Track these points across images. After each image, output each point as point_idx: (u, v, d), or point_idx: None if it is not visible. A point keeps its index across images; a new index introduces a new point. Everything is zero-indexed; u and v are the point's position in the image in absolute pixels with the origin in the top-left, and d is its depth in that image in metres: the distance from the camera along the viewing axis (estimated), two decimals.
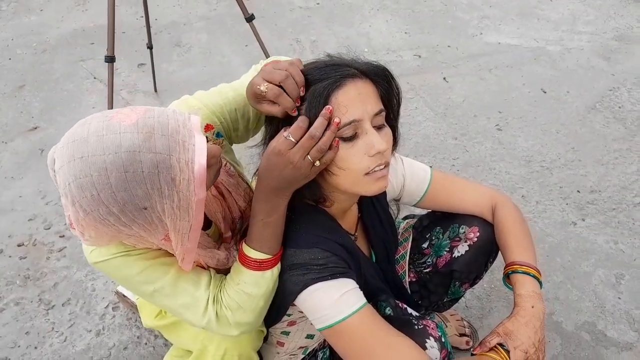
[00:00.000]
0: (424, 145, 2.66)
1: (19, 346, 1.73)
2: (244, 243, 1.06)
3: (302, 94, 0.94)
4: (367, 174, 0.97)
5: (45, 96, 2.95)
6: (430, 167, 1.34)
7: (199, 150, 0.85)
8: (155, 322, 1.36)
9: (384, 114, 0.99)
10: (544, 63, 3.34)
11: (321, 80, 0.94)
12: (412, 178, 1.29)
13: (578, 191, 2.40)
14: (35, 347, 1.73)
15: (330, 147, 0.94)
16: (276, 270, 1.05)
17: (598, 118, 2.87)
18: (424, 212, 1.49)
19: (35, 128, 2.73)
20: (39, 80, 3.09)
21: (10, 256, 2.03)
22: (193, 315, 1.05)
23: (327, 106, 0.92)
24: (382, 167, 0.98)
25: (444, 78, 3.18)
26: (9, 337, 1.75)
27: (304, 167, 0.94)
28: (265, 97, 0.96)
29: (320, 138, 0.92)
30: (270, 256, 1.03)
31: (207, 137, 1.10)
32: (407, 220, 1.54)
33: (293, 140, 0.92)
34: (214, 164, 0.92)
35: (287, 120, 0.97)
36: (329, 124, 0.92)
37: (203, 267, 1.12)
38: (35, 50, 3.36)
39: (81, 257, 2.02)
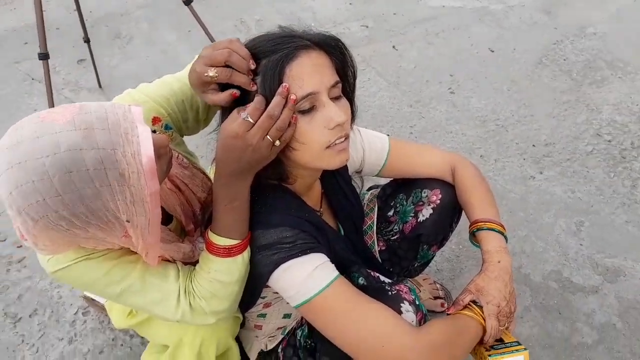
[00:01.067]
0: (381, 115, 2.67)
1: None
2: (209, 231, 1.03)
3: (252, 66, 0.91)
4: (327, 147, 0.96)
5: None
6: (388, 135, 1.34)
7: (144, 141, 0.80)
8: (127, 321, 1.33)
9: (340, 85, 0.98)
10: (488, 22, 3.38)
11: (274, 52, 0.91)
12: (371, 148, 1.29)
13: (533, 145, 2.46)
14: None
15: (289, 125, 0.92)
16: (246, 254, 1.03)
17: (545, 72, 2.94)
18: (388, 181, 1.50)
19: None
20: None
21: None
22: (165, 309, 1.02)
23: (284, 84, 0.89)
24: (342, 139, 0.97)
25: (393, 46, 3.18)
26: None
27: (264, 147, 0.91)
28: (217, 81, 0.92)
29: (279, 117, 0.90)
30: (238, 241, 1.01)
31: (155, 130, 1.07)
32: (371, 191, 1.55)
33: (251, 121, 0.90)
34: (163, 154, 0.88)
35: (240, 102, 0.94)
36: (286, 102, 0.90)
37: (169, 261, 1.09)
38: None
39: None
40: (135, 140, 0.80)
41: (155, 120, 1.11)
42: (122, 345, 1.71)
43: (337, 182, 1.26)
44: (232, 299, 1.06)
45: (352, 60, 1.03)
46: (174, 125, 1.13)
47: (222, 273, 1.01)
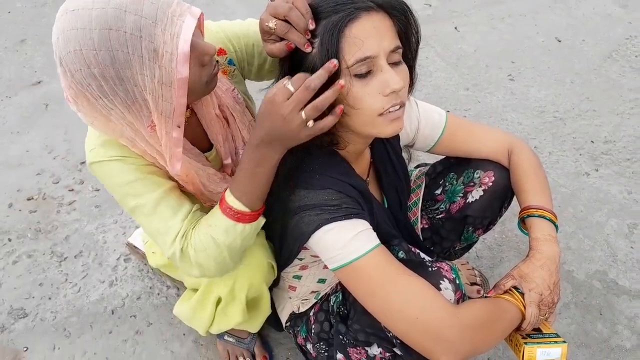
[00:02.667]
0: (435, 95, 2.60)
1: (33, 297, 1.75)
2: (227, 188, 1.02)
3: (311, 26, 0.88)
4: (381, 114, 0.93)
5: (47, 50, 2.89)
6: (447, 111, 1.30)
7: (187, 27, 0.84)
8: (162, 260, 1.37)
9: (400, 51, 0.94)
10: (559, 11, 3.22)
11: (335, 12, 0.88)
12: (427, 122, 1.26)
13: (592, 141, 2.35)
14: (50, 298, 1.74)
15: (330, 112, 0.89)
16: (249, 227, 1.02)
17: (614, 67, 2.79)
18: (439, 159, 1.46)
19: (39, 82, 2.69)
20: (40, 34, 3.03)
21: (20, 210, 2.03)
22: (162, 243, 1.03)
23: (333, 59, 0.86)
24: (397, 107, 0.93)
25: (455, 27, 3.09)
26: (23, 289, 1.77)
27: (295, 123, 0.88)
28: (275, 34, 0.91)
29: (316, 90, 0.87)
30: (248, 210, 1.00)
31: (217, 61, 1.08)
32: (419, 168, 1.52)
33: (291, 89, 0.87)
34: (207, 63, 0.91)
35: (296, 68, 0.93)
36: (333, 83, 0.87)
37: (200, 198, 1.11)
38: (35, 3, 3.28)
39: (91, 210, 2.02)
40: (179, 24, 0.83)
41: (220, 52, 1.14)
42: (158, 294, 1.76)
43: (387, 153, 1.23)
44: (218, 263, 1.03)
45: (417, 25, 0.99)
46: (238, 64, 1.16)
47: (219, 230, 1.00)
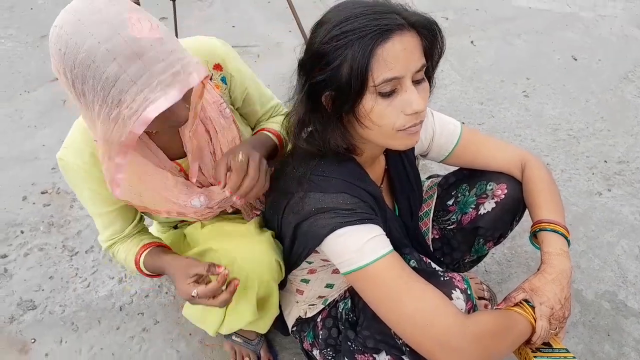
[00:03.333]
0: (450, 109, 2.61)
1: (43, 290, 1.76)
2: (142, 257, 1.22)
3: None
4: (400, 130, 0.95)
5: None
6: (462, 123, 1.31)
7: (165, 101, 0.84)
8: None
9: (425, 68, 0.95)
10: (576, 29, 3.23)
11: (367, 29, 0.88)
12: (442, 132, 1.27)
13: (605, 161, 2.35)
14: (59, 291, 1.76)
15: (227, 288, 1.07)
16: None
17: (630, 88, 2.79)
18: (452, 170, 1.47)
19: (57, 79, 2.72)
20: None
21: (34, 203, 2.06)
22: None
23: (224, 271, 1.05)
24: (417, 125, 0.96)
25: (472, 41, 3.10)
26: (33, 281, 1.79)
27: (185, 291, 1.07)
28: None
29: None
30: (150, 274, 1.26)
31: (212, 75, 1.15)
32: (431, 179, 1.52)
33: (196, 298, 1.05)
34: (172, 125, 0.96)
35: (321, 83, 0.95)
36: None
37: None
38: (56, 0, 3.33)
39: None
40: (160, 93, 0.83)
41: (217, 67, 1.16)
42: (166, 293, 1.77)
43: (401, 161, 1.24)
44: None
45: (443, 42, 1.00)
46: (228, 84, 1.20)
47: (130, 268, 1.27)
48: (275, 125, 1.30)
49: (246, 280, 1.16)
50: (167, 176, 1.12)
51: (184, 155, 1.16)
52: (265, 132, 1.25)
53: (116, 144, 0.89)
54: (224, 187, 1.03)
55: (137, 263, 1.23)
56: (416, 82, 0.94)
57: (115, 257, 1.30)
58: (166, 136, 1.12)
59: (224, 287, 1.07)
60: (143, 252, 1.22)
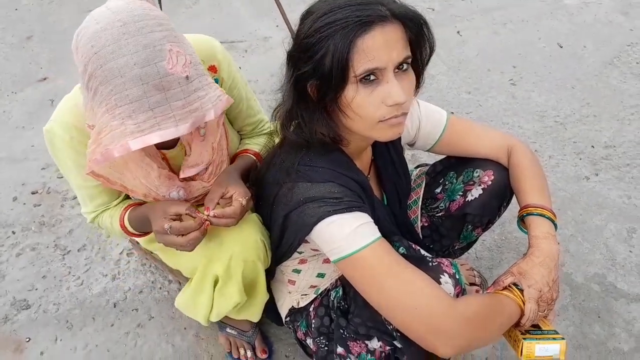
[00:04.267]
0: (437, 99, 2.63)
1: (36, 289, 1.76)
2: (125, 215, 1.23)
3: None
4: (381, 121, 0.96)
5: (53, 47, 2.92)
6: (452, 113, 1.32)
7: (157, 136, 0.88)
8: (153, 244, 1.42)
9: (409, 59, 0.96)
10: (560, 17, 3.25)
11: (349, 20, 0.89)
12: (428, 121, 1.28)
13: (592, 146, 2.37)
14: (52, 290, 1.76)
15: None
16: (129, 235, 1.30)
17: (615, 73, 2.81)
18: (440, 159, 1.48)
19: (45, 79, 2.72)
20: (46, 31, 3.06)
21: (24, 203, 2.06)
22: (80, 204, 1.30)
23: (202, 215, 1.07)
24: (398, 117, 0.96)
25: (458, 32, 3.11)
26: (26, 281, 1.79)
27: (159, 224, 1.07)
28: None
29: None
30: (135, 232, 1.27)
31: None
32: (419, 168, 1.53)
33: (168, 232, 1.05)
34: (169, 143, 1.07)
35: (305, 74, 0.97)
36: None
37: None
38: (41, 1, 3.31)
39: None
40: (169, 125, 0.89)
41: (211, 68, 1.20)
42: (160, 288, 1.77)
43: (388, 150, 1.25)
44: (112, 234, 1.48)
45: (432, 37, 1.00)
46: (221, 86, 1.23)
47: (115, 230, 1.27)
48: (257, 147, 1.40)
49: (230, 259, 1.18)
50: (153, 167, 1.13)
51: (169, 147, 1.18)
52: (249, 154, 1.35)
53: (104, 147, 0.91)
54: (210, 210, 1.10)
55: (121, 221, 1.24)
56: (400, 74, 0.95)
57: (100, 226, 1.30)
58: None
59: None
60: (127, 210, 1.24)
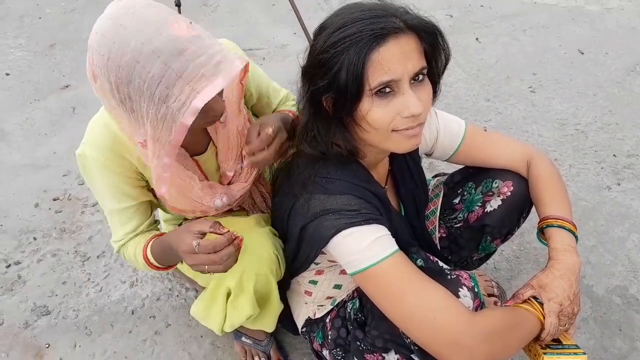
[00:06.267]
0: (456, 106, 2.61)
1: (56, 295, 1.79)
2: (149, 246, 1.20)
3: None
4: (395, 130, 0.95)
5: (75, 55, 2.98)
6: (465, 120, 1.31)
7: (211, 89, 0.87)
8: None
9: (425, 70, 0.95)
10: (581, 23, 3.21)
11: (363, 33, 0.89)
12: (446, 131, 1.27)
13: (614, 155, 2.33)
14: (72, 297, 1.78)
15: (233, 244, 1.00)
16: (154, 270, 1.26)
17: (638, 81, 2.77)
18: (458, 169, 1.47)
19: (67, 86, 2.76)
20: (69, 39, 3.11)
21: (46, 210, 2.09)
22: (111, 231, 1.26)
23: (229, 233, 0.99)
24: (414, 128, 0.96)
25: (477, 38, 3.09)
26: (46, 287, 1.81)
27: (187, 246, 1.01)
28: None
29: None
30: (158, 265, 1.22)
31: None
32: (437, 178, 1.52)
33: (196, 250, 0.99)
34: (210, 118, 0.98)
35: (320, 89, 0.97)
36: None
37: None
38: (64, 9, 3.38)
39: None
40: (205, 84, 0.87)
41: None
42: (177, 296, 1.78)
43: (405, 162, 1.25)
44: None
45: (447, 46, 1.00)
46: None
47: (138, 263, 1.23)
48: (292, 108, 1.38)
49: (243, 272, 1.18)
50: (195, 178, 1.16)
51: (200, 152, 1.20)
52: (285, 112, 1.31)
53: (165, 143, 0.92)
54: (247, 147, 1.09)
55: (144, 252, 1.21)
56: (416, 85, 0.94)
57: (125, 256, 1.28)
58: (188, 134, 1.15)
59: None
60: (150, 242, 1.22)
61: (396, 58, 0.89)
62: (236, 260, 1.02)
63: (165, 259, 1.19)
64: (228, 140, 1.19)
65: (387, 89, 0.91)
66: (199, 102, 0.87)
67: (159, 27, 0.86)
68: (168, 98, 0.87)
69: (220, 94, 1.00)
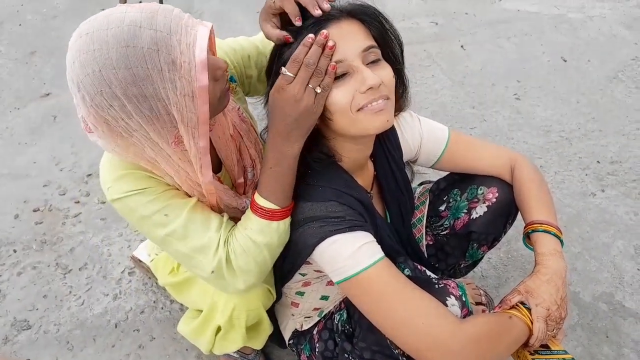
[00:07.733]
0: (441, 114, 2.61)
1: (37, 309, 1.74)
2: (256, 191, 1.04)
3: (298, 23, 0.95)
4: (360, 109, 0.94)
5: (56, 63, 2.93)
6: (450, 128, 1.30)
7: (201, 37, 0.86)
8: (168, 278, 1.36)
9: (377, 51, 0.96)
10: (564, 31, 3.25)
11: (305, 23, 0.94)
12: (430, 137, 1.27)
13: (598, 162, 2.35)
14: (53, 310, 1.74)
15: (326, 72, 0.92)
16: (283, 224, 1.02)
17: (620, 88, 2.80)
18: (443, 176, 1.47)
19: (48, 94, 2.72)
20: (49, 46, 3.06)
21: (26, 221, 2.04)
22: (204, 258, 1.01)
23: (323, 31, 0.90)
24: (377, 100, 0.95)
25: (462, 46, 3.11)
26: (27, 300, 1.77)
27: (307, 98, 0.91)
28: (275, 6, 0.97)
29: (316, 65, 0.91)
30: (278, 207, 1.00)
31: (230, 76, 1.15)
32: (423, 185, 1.52)
33: (291, 75, 0.91)
34: (219, 77, 0.93)
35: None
36: (323, 50, 0.91)
37: (217, 211, 1.11)
38: (45, 16, 3.33)
39: (96, 222, 2.03)
40: (192, 34, 0.85)
41: None
42: (162, 308, 1.75)
43: (390, 167, 1.24)
44: (259, 263, 1.03)
45: (392, 27, 1.02)
46: (238, 80, 1.18)
47: (256, 232, 1.01)
48: None
49: (233, 310, 1.16)
50: (228, 190, 1.13)
51: (217, 170, 1.16)
52: None
53: (195, 123, 0.89)
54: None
55: (255, 205, 1.03)
56: (371, 64, 0.95)
57: (237, 253, 1.02)
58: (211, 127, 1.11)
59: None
60: (253, 197, 1.05)
61: (339, 39, 0.92)
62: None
63: (280, 180, 1.00)
64: (226, 147, 1.15)
65: (340, 71, 0.93)
66: (200, 52, 0.84)
67: (117, 10, 0.85)
68: (174, 61, 0.84)
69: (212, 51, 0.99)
